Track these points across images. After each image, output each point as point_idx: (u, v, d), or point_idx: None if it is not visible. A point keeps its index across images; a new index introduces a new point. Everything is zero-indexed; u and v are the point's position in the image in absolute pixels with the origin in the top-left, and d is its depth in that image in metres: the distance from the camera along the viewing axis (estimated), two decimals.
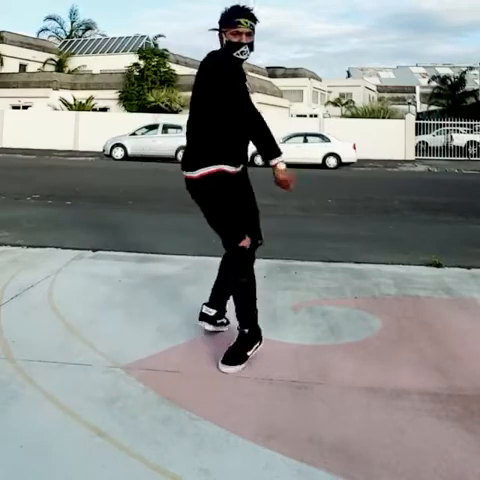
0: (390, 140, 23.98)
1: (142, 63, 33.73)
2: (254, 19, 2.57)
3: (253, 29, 2.56)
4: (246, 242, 2.59)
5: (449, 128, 26.97)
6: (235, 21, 2.51)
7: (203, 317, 2.96)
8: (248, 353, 2.60)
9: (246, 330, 2.64)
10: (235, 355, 2.59)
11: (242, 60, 2.57)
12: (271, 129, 2.59)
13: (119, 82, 34.00)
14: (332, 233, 6.53)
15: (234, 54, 2.53)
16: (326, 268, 4.44)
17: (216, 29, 2.59)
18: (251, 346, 2.62)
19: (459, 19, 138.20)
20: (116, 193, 10.07)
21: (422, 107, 42.46)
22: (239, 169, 2.64)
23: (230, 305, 2.81)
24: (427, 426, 2.14)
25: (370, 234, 6.71)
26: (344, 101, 40.37)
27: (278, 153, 2.54)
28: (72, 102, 30.68)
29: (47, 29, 44.55)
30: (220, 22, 2.58)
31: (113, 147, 21.23)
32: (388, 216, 8.32)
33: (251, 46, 2.58)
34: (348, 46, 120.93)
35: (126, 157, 20.93)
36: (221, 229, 2.63)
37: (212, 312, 2.94)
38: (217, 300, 2.94)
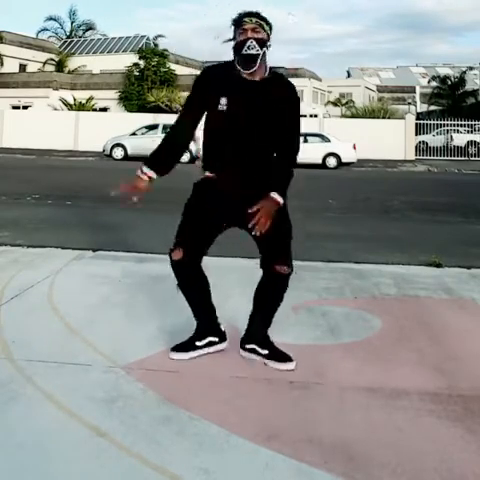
0: (390, 140, 23.98)
1: (142, 63, 33.74)
2: (263, 18, 2.50)
3: (262, 27, 2.47)
4: (176, 254, 2.65)
5: (449, 128, 26.96)
6: (241, 21, 2.48)
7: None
8: (197, 343, 2.70)
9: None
10: (184, 344, 2.72)
11: (251, 55, 2.43)
12: None
13: (119, 82, 34.01)
14: (332, 233, 6.53)
15: (242, 51, 2.44)
16: (326, 268, 4.44)
17: (230, 39, 2.55)
18: (201, 338, 2.71)
19: (458, 19, 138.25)
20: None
21: (422, 107, 42.43)
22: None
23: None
24: (427, 426, 2.14)
25: (370, 234, 6.71)
26: (344, 101, 40.34)
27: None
28: (72, 102, 30.69)
29: (47, 29, 44.60)
30: (233, 31, 2.54)
31: (113, 147, 21.24)
32: (388, 216, 8.33)
33: (261, 42, 2.44)
34: (347, 46, 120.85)
35: (126, 157, 20.93)
36: None
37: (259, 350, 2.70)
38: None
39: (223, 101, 2.48)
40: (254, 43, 2.43)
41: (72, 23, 45.98)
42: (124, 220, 7.02)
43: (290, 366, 2.59)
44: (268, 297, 2.68)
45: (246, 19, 2.46)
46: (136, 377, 2.47)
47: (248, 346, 2.70)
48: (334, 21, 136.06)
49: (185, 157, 22.10)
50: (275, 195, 2.43)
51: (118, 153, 21.16)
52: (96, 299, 3.53)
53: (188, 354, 2.68)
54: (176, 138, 2.68)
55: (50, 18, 44.69)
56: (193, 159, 20.86)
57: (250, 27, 2.45)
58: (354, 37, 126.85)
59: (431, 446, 2.01)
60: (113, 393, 2.33)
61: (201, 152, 2.66)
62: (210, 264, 3.40)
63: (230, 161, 2.52)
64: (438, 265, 4.56)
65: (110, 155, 21.24)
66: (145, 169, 2.66)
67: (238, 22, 2.48)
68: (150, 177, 2.65)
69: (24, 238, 5.43)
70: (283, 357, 2.62)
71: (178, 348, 2.71)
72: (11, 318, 3.15)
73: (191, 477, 1.81)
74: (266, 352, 2.64)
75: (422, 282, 4.10)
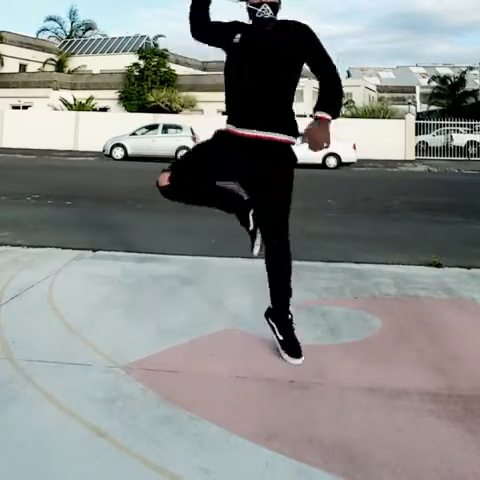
0: (390, 140, 24.00)
1: (142, 63, 33.76)
2: None
3: None
4: (163, 178, 2.61)
5: (449, 128, 26.98)
6: None
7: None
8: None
9: None
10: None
11: (265, 20, 2.51)
12: None
13: (119, 82, 34.03)
14: (332, 233, 6.53)
15: (256, 15, 2.51)
16: (326, 268, 4.44)
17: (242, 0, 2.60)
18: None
19: (458, 19, 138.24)
20: (116, 193, 10.07)
21: (422, 107, 42.42)
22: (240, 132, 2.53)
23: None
24: (427, 426, 2.14)
25: (370, 234, 6.71)
26: (344, 101, 40.37)
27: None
28: (72, 102, 30.71)
29: (47, 29, 44.62)
30: None
31: (113, 147, 21.25)
32: (388, 216, 8.33)
33: (274, 6, 2.52)
34: (347, 46, 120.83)
35: (126, 157, 20.96)
36: None
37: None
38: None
39: (238, 36, 2.53)
40: (267, 7, 2.51)
41: (72, 23, 46.04)
42: (124, 220, 7.03)
43: (297, 361, 2.61)
44: (274, 265, 2.68)
45: None
46: (136, 377, 2.47)
47: (270, 321, 2.74)
48: (334, 21, 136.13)
49: None
50: (322, 114, 2.43)
51: (118, 153, 21.18)
52: (96, 299, 3.53)
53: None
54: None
55: (50, 18, 44.76)
56: None
57: None
58: (354, 37, 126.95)
59: (431, 446, 2.01)
60: (113, 393, 2.33)
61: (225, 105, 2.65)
62: (211, 264, 3.41)
63: (250, 107, 2.50)
64: (438, 265, 4.56)
65: (110, 155, 21.25)
66: None
67: None
68: None
69: (24, 238, 5.43)
70: (294, 351, 2.64)
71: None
72: (11, 318, 3.14)
73: (191, 477, 1.81)
74: (282, 338, 2.67)
75: (422, 282, 4.10)
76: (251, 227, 2.71)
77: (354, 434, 2.06)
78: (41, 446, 1.96)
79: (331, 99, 2.51)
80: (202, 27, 2.67)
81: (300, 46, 2.53)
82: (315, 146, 2.44)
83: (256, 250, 2.76)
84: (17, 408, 2.20)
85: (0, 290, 3.62)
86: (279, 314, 2.73)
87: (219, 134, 2.62)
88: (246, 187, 2.62)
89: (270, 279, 2.72)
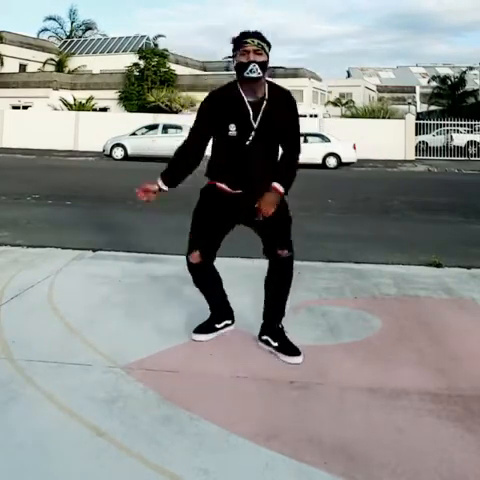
0: (390, 140, 23.97)
1: (142, 63, 33.74)
2: (264, 40, 2.57)
3: (263, 49, 2.55)
4: (194, 257, 2.80)
5: (449, 128, 26.95)
6: (242, 41, 2.54)
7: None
8: (217, 325, 2.96)
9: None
10: (205, 326, 2.96)
11: (253, 79, 2.54)
12: None
13: (119, 82, 34.01)
14: (332, 233, 6.53)
15: (244, 74, 2.53)
16: (326, 268, 4.44)
17: (230, 56, 2.65)
18: (220, 321, 2.99)
19: (458, 19, 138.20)
20: (116, 193, 10.07)
21: (422, 107, 42.42)
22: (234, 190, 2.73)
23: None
24: (427, 426, 2.14)
25: (370, 234, 6.71)
26: (344, 101, 40.33)
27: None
28: (72, 102, 30.69)
29: (47, 29, 44.60)
30: (232, 50, 2.61)
31: (113, 147, 21.22)
32: (388, 216, 8.33)
33: (262, 66, 2.54)
34: (347, 46, 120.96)
35: (126, 157, 20.93)
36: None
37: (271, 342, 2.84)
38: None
39: (232, 128, 2.61)
40: (256, 67, 2.51)
41: (72, 23, 46.02)
42: (124, 220, 7.03)
43: (297, 360, 2.68)
44: (276, 283, 2.81)
45: (248, 40, 2.52)
46: (136, 377, 2.47)
47: (263, 337, 2.85)
48: (334, 21, 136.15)
49: None
50: (277, 185, 2.63)
51: (118, 153, 21.16)
52: (96, 299, 3.53)
53: (209, 336, 2.93)
54: (186, 159, 2.79)
55: (50, 18, 44.74)
56: None
57: (252, 49, 2.52)
58: (354, 37, 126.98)
59: (431, 446, 2.01)
60: (113, 393, 2.33)
61: (206, 163, 2.81)
62: None
63: (237, 174, 2.67)
64: (438, 265, 4.56)
65: (110, 155, 21.23)
66: (159, 181, 2.86)
67: (239, 42, 2.55)
68: (160, 188, 2.86)
69: (24, 238, 5.43)
70: (291, 351, 2.73)
71: (200, 330, 2.94)
72: (11, 318, 3.15)
73: (191, 477, 1.81)
74: (276, 344, 2.77)
75: (422, 282, 4.10)
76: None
77: (354, 434, 2.07)
78: (41, 446, 1.96)
79: (289, 176, 2.71)
80: (199, 155, 2.76)
81: (287, 121, 2.68)
82: (264, 207, 2.60)
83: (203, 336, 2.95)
84: (17, 408, 2.20)
85: (0, 290, 3.62)
86: (272, 327, 2.83)
87: (212, 192, 2.77)
88: (249, 223, 2.77)
89: (270, 294, 2.85)
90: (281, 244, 2.73)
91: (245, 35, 2.55)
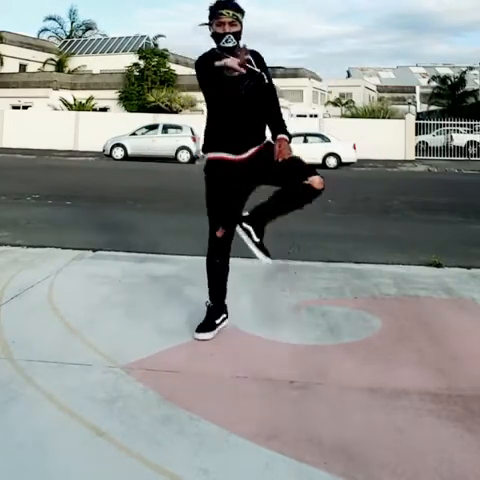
0: (390, 140, 23.99)
1: (142, 63, 33.74)
2: (238, 9, 2.79)
3: (238, 19, 2.77)
4: (219, 233, 2.89)
5: (449, 128, 26.97)
6: (218, 12, 2.75)
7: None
8: (216, 321, 2.98)
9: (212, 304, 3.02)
10: (207, 324, 2.97)
11: (228, 48, 2.74)
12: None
13: (119, 82, 34.00)
14: (332, 233, 6.53)
15: (220, 43, 2.76)
16: (326, 268, 4.44)
17: (206, 23, 2.84)
18: (218, 316, 3.01)
19: (458, 19, 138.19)
20: (116, 193, 10.08)
21: (422, 107, 42.44)
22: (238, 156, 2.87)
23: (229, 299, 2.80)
24: (427, 426, 2.14)
25: (370, 234, 6.71)
26: (344, 101, 40.36)
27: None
28: (72, 102, 30.69)
29: (47, 29, 44.60)
30: (208, 17, 2.82)
31: (113, 147, 21.24)
32: (388, 216, 8.33)
33: (236, 35, 2.77)
34: (347, 46, 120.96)
35: (126, 157, 20.94)
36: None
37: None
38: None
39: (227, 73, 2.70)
40: (231, 37, 2.76)
41: (72, 23, 46.02)
42: (124, 220, 7.03)
43: (269, 260, 2.92)
44: (291, 198, 2.89)
45: (224, 12, 2.74)
46: (136, 377, 2.47)
47: (246, 225, 2.88)
48: (334, 21, 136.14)
49: (185, 157, 22.08)
50: (283, 135, 2.85)
51: (118, 153, 21.17)
52: (96, 299, 3.53)
53: (212, 333, 2.95)
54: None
55: (50, 18, 44.74)
56: (193, 159, 20.91)
57: (228, 21, 2.75)
58: (354, 37, 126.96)
59: (431, 446, 2.01)
60: (113, 393, 2.33)
61: (202, 136, 2.98)
62: None
63: (232, 136, 2.84)
64: (438, 265, 4.56)
65: (110, 155, 21.24)
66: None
67: (215, 13, 2.76)
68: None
69: (24, 238, 5.43)
70: (267, 253, 2.93)
71: (203, 329, 2.94)
72: (11, 318, 3.15)
73: (191, 477, 1.81)
74: (258, 240, 2.89)
75: (422, 282, 4.10)
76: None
77: (354, 434, 2.06)
78: (41, 446, 1.96)
79: (284, 124, 2.93)
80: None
81: (262, 77, 2.87)
82: (282, 152, 2.77)
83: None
84: (17, 408, 2.20)
85: (0, 290, 3.62)
86: (261, 224, 2.90)
87: (215, 168, 2.90)
88: (266, 180, 2.88)
89: (277, 203, 2.91)
90: (308, 173, 2.81)
91: (220, 5, 2.75)
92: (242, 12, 2.81)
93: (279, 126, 2.92)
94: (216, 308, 3.02)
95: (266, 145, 2.89)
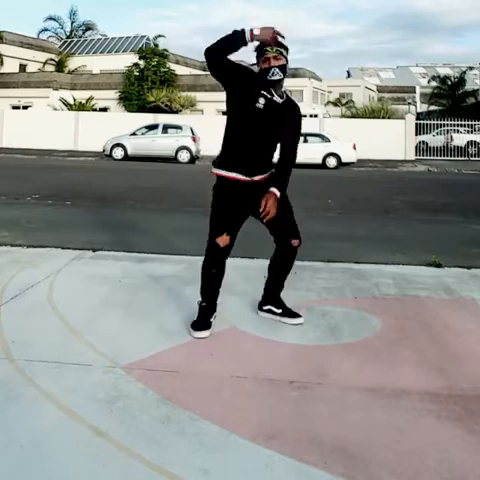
0: (390, 140, 23.97)
1: (142, 63, 33.76)
2: (282, 45, 2.89)
3: (282, 53, 2.88)
4: (223, 241, 2.99)
5: (449, 128, 26.95)
6: (264, 50, 2.87)
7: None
8: (210, 319, 3.08)
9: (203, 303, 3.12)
10: (202, 322, 3.05)
11: (275, 81, 2.88)
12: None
13: (119, 82, 34.04)
14: (332, 233, 6.53)
15: (267, 78, 2.86)
16: (326, 268, 4.44)
17: (254, 64, 2.98)
18: (211, 314, 3.11)
19: (458, 19, 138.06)
20: (116, 193, 10.08)
21: (422, 107, 42.42)
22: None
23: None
24: (427, 426, 2.14)
25: (370, 234, 6.71)
26: (344, 101, 40.34)
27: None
28: (72, 102, 30.71)
29: (47, 29, 44.65)
30: (256, 57, 2.93)
31: (113, 147, 21.23)
32: (388, 216, 8.32)
33: (282, 68, 2.87)
34: (347, 46, 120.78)
35: (126, 157, 20.93)
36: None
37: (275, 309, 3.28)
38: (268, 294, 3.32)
39: (261, 100, 2.89)
40: (277, 70, 2.86)
41: (72, 23, 46.06)
42: (124, 220, 7.03)
43: (300, 320, 3.16)
44: (283, 266, 3.22)
45: (268, 48, 2.86)
46: (136, 377, 2.47)
47: (265, 307, 3.28)
48: (334, 21, 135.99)
49: (185, 157, 22.02)
50: (275, 190, 2.93)
51: (118, 153, 21.16)
52: (96, 299, 3.53)
53: (209, 331, 3.03)
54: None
55: (50, 18, 44.79)
56: (193, 159, 20.91)
57: (272, 56, 2.86)
58: (354, 37, 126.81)
59: (431, 446, 2.01)
60: (113, 393, 2.33)
61: (220, 151, 3.08)
62: None
63: (249, 161, 2.97)
64: (438, 265, 4.56)
65: (110, 155, 21.23)
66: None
67: (261, 51, 2.88)
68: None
69: (24, 238, 5.43)
70: (294, 315, 3.20)
71: (199, 327, 3.02)
72: (11, 318, 3.15)
73: (191, 477, 1.81)
74: (280, 311, 3.23)
75: (422, 282, 4.10)
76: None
77: (354, 434, 2.07)
78: (41, 446, 1.96)
79: (285, 178, 3.03)
80: (221, 63, 2.91)
81: (295, 124, 3.08)
82: (265, 214, 2.89)
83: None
84: (17, 408, 2.20)
85: (0, 290, 3.62)
86: (275, 298, 3.26)
87: (225, 185, 3.01)
88: (258, 216, 3.00)
89: (275, 276, 3.25)
90: (292, 234, 3.11)
91: (265, 43, 2.86)
92: (286, 48, 2.91)
93: (278, 179, 3.00)
94: (209, 307, 3.10)
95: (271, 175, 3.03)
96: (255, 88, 2.90)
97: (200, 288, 3.13)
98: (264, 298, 3.30)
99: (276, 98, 2.93)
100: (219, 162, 3.02)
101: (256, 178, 2.98)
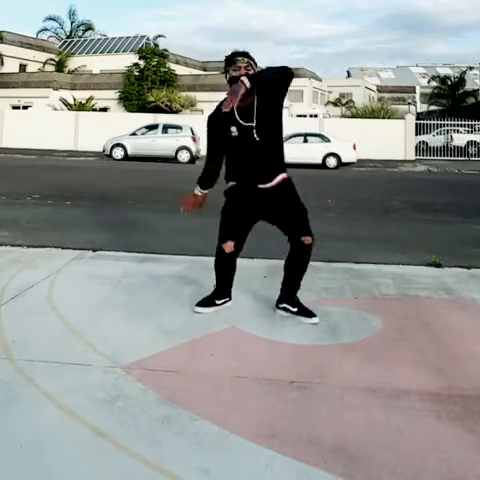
0: (390, 140, 23.97)
1: (142, 63, 33.76)
2: (250, 58, 3.12)
3: (251, 65, 3.10)
4: (228, 247, 3.18)
5: (449, 128, 26.95)
6: (235, 59, 3.10)
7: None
8: (217, 302, 3.33)
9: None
10: (207, 300, 3.34)
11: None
12: None
13: (119, 82, 34.04)
14: (332, 233, 6.53)
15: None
16: (326, 268, 4.44)
17: (223, 72, 3.20)
18: (220, 298, 3.35)
19: (458, 19, 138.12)
20: (116, 193, 10.08)
21: (422, 107, 42.44)
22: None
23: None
24: (427, 426, 2.14)
25: (370, 234, 6.71)
26: (344, 101, 40.36)
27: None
28: (72, 102, 30.70)
29: (47, 29, 44.65)
30: (225, 66, 3.17)
31: (113, 147, 21.22)
32: (388, 216, 8.32)
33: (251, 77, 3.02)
34: (347, 46, 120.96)
35: (126, 157, 20.93)
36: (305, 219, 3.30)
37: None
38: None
39: (233, 129, 3.09)
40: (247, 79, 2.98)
41: (72, 23, 46.07)
42: (124, 220, 7.03)
43: (315, 320, 3.19)
44: (298, 264, 3.29)
45: (239, 58, 3.09)
46: (136, 377, 2.47)
47: (281, 305, 3.33)
48: (334, 21, 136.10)
49: (185, 157, 22.00)
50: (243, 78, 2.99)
51: (118, 153, 21.15)
52: (96, 299, 3.53)
53: (210, 309, 3.29)
54: (211, 173, 3.30)
55: (50, 18, 44.80)
56: (193, 159, 20.90)
57: (243, 65, 3.08)
58: (354, 37, 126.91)
59: (431, 446, 2.01)
60: (113, 393, 2.33)
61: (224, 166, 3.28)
62: (211, 264, 3.42)
63: (248, 169, 3.13)
64: (438, 265, 4.55)
65: (110, 155, 21.22)
66: (198, 189, 3.32)
67: (231, 60, 3.11)
68: (204, 193, 3.33)
69: (24, 238, 5.43)
70: (310, 313, 3.24)
71: (202, 304, 3.31)
72: (11, 318, 3.15)
73: (191, 477, 1.81)
74: (296, 310, 3.27)
75: (422, 282, 4.10)
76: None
77: (354, 434, 2.07)
78: (41, 446, 1.96)
79: (265, 72, 3.17)
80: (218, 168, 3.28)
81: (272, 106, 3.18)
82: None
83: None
84: (17, 408, 2.20)
85: (0, 290, 3.62)
86: (291, 297, 3.31)
87: (235, 190, 3.20)
88: (270, 218, 3.22)
89: (289, 276, 3.31)
90: (304, 231, 3.24)
91: (236, 54, 3.12)
92: (254, 61, 3.14)
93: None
94: (220, 290, 3.34)
95: (286, 181, 3.18)
96: (222, 123, 3.10)
97: (215, 278, 3.36)
98: (281, 296, 3.36)
99: (237, 116, 3.05)
100: (226, 174, 3.23)
101: (268, 185, 3.12)
